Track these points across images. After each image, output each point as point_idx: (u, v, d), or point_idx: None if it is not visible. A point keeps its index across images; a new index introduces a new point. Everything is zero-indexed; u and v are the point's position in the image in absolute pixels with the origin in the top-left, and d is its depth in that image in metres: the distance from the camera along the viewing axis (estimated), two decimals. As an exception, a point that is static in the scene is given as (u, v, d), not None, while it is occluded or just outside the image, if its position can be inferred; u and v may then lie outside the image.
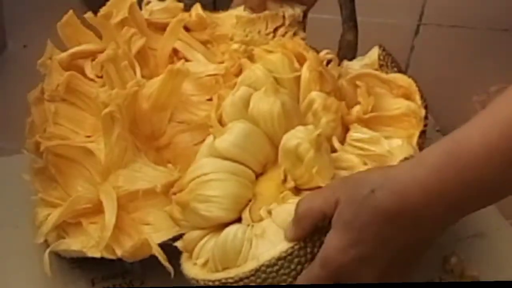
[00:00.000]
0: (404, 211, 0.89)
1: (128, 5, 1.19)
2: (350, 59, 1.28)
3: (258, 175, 1.06)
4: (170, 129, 1.14)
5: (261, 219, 1.02)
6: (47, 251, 1.06)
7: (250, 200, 1.03)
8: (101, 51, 1.17)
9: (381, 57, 1.24)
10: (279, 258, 0.97)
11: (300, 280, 0.96)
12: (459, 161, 0.87)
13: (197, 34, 1.25)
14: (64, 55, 1.20)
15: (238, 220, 1.03)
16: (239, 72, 1.15)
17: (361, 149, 1.08)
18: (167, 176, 1.07)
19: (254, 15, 1.26)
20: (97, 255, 1.05)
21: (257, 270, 0.97)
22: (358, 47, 1.40)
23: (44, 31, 1.24)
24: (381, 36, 1.59)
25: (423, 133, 1.13)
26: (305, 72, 1.12)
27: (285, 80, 1.10)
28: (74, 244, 1.07)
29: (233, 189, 1.02)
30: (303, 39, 1.27)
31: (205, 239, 1.03)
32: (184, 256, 1.05)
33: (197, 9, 1.26)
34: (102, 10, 1.20)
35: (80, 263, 1.14)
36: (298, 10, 1.28)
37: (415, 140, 1.11)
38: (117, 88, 1.10)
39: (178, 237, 1.06)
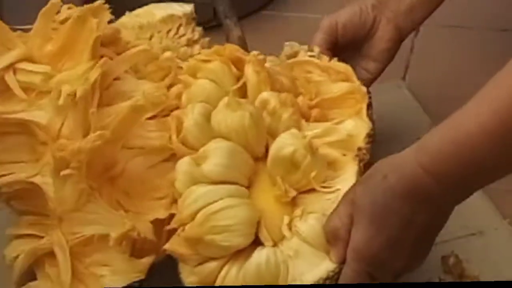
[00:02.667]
0: (417, 191, 0.91)
1: (104, 19, 1.11)
2: None
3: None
4: (121, 156, 1.09)
5: (283, 238, 1.01)
6: None
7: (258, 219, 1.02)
8: (26, 57, 1.09)
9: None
10: (327, 278, 0.97)
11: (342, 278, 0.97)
12: (455, 144, 0.89)
13: (111, 47, 1.16)
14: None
15: (254, 242, 1.01)
16: (174, 82, 1.14)
17: (321, 143, 1.07)
18: (120, 225, 1.04)
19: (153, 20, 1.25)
20: None
21: None
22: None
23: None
24: (381, 36, 1.59)
25: (370, 106, 1.14)
26: (252, 75, 1.11)
27: (229, 88, 1.10)
28: (40, 286, 1.06)
29: (245, 213, 1.00)
30: (200, 35, 1.26)
31: (225, 269, 1.00)
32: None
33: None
34: (79, 11, 1.09)
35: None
36: (188, 8, 1.27)
37: (364, 113, 1.12)
38: (74, 125, 1.04)
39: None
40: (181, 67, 1.16)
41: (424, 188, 0.91)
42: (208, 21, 1.47)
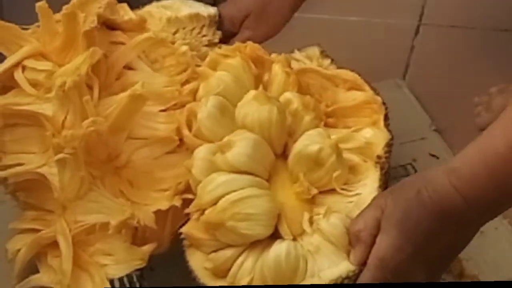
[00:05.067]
0: (449, 210, 0.93)
1: (95, 11, 1.12)
2: None
3: (265, 183, 1.06)
4: (126, 147, 1.09)
5: (302, 233, 1.01)
6: None
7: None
8: (36, 53, 1.10)
9: (323, 54, 1.25)
10: (346, 277, 0.97)
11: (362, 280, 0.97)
12: (488, 168, 0.90)
13: (134, 34, 1.17)
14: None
15: (271, 235, 1.01)
16: (191, 79, 1.14)
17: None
18: (120, 212, 1.04)
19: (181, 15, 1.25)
20: None
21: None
22: (357, 48, 1.40)
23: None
24: (381, 36, 1.59)
25: (386, 116, 1.14)
26: (281, 74, 1.12)
27: (247, 84, 1.10)
28: (43, 279, 1.06)
29: (268, 204, 1.00)
30: (220, 39, 1.27)
31: (242, 257, 1.01)
32: (206, 275, 1.02)
33: (126, 9, 1.19)
34: (66, 9, 1.10)
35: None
36: (212, 11, 1.27)
37: (381, 124, 1.12)
38: (73, 116, 1.04)
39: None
40: (199, 65, 1.16)
41: (455, 208, 0.93)
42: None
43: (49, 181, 1.05)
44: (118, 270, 1.04)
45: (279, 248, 0.98)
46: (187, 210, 1.03)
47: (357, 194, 1.04)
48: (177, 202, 1.05)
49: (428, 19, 1.65)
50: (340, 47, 1.34)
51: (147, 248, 1.04)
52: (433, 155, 1.31)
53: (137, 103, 1.07)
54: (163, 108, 1.12)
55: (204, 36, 1.26)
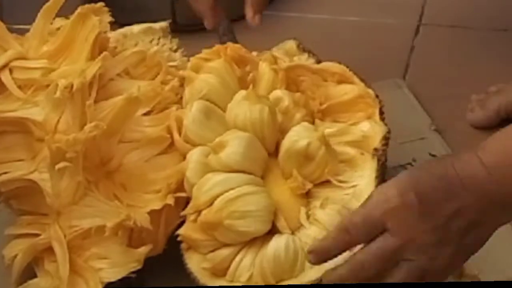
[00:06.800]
0: (470, 177, 0.92)
1: (105, 19, 1.15)
2: None
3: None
4: (118, 151, 1.09)
5: (299, 227, 1.02)
6: None
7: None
8: (20, 58, 1.10)
9: (300, 47, 1.24)
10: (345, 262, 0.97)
11: (370, 249, 0.93)
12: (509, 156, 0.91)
13: None
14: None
15: (270, 231, 1.02)
16: (168, 79, 1.15)
17: (337, 142, 1.08)
18: (116, 215, 1.04)
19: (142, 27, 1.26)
20: None
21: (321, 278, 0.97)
22: (357, 48, 1.40)
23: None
24: (381, 36, 1.59)
25: (381, 110, 1.13)
26: (269, 73, 1.12)
27: (232, 86, 1.11)
28: (40, 283, 1.06)
29: (264, 200, 1.01)
30: (178, 45, 1.27)
31: (240, 255, 1.01)
32: (205, 275, 1.02)
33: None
34: (81, 9, 1.11)
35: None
36: (163, 23, 1.28)
37: (377, 117, 1.12)
38: (72, 119, 1.04)
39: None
40: (171, 66, 1.18)
41: (476, 176, 0.92)
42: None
43: (41, 187, 1.04)
44: (113, 274, 1.03)
45: (278, 242, 1.00)
46: (183, 212, 1.04)
47: (353, 186, 1.05)
48: (170, 201, 1.05)
49: (428, 19, 1.65)
50: (340, 47, 1.35)
51: (143, 250, 1.04)
52: (433, 155, 1.30)
53: (133, 105, 1.08)
54: (147, 110, 1.12)
55: (164, 45, 1.26)
